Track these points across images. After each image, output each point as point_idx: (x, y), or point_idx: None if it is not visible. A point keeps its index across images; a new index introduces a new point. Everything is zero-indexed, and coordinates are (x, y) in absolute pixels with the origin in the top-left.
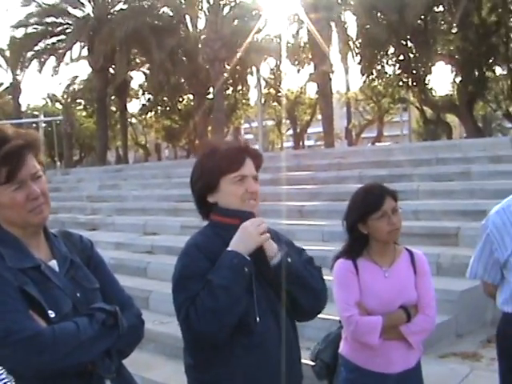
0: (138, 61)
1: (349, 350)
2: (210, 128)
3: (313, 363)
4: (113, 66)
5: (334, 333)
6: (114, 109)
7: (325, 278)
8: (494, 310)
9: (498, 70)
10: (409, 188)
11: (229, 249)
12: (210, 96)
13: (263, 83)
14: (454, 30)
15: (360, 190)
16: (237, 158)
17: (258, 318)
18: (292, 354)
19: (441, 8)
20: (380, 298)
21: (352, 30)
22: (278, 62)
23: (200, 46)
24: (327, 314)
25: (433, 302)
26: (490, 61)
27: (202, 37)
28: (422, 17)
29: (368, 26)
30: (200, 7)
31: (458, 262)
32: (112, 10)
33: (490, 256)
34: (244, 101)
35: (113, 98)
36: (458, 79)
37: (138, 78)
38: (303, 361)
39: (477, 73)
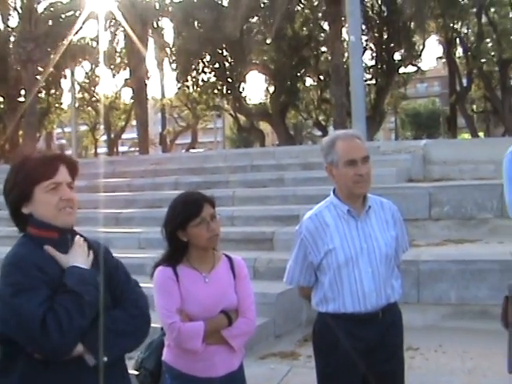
0: None
1: (172, 357)
2: (21, 132)
3: (137, 372)
4: None
5: (156, 340)
6: None
7: (145, 285)
8: (308, 310)
9: (309, 81)
10: (225, 194)
11: (83, 266)
12: (22, 99)
13: (77, 87)
14: (269, 41)
15: (178, 198)
16: (50, 166)
17: None
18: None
19: (256, 19)
20: (201, 303)
21: (169, 37)
22: (94, 66)
23: (12, 46)
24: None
25: (252, 305)
26: (302, 72)
27: (13, 36)
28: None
29: (184, 34)
30: (13, 4)
31: (274, 265)
32: None
33: (304, 260)
34: (57, 105)
35: None
36: (272, 88)
37: None
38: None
39: (289, 83)
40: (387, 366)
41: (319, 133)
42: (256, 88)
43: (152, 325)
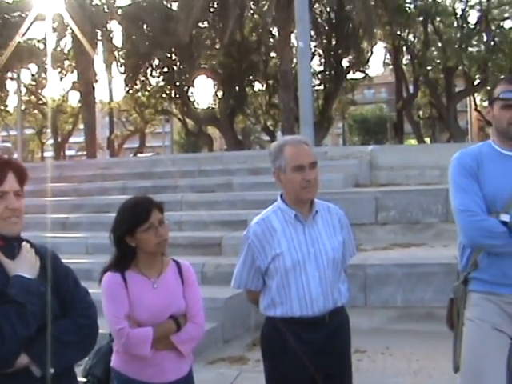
0: None
1: (120, 363)
2: None
3: (85, 379)
4: None
5: (104, 346)
6: None
7: (93, 291)
8: (256, 314)
9: (258, 86)
10: (173, 199)
11: (28, 275)
12: None
13: (24, 89)
14: (218, 46)
15: (127, 203)
16: None
17: None
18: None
19: (206, 24)
20: (150, 309)
21: (118, 40)
22: (41, 68)
23: None
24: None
25: (201, 310)
26: (251, 77)
27: None
28: None
29: (133, 37)
30: None
31: (222, 270)
32: None
33: (252, 264)
34: (2, 107)
35: None
36: (220, 93)
37: None
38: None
39: (238, 88)
40: (335, 368)
41: (267, 138)
42: (205, 93)
43: (100, 331)
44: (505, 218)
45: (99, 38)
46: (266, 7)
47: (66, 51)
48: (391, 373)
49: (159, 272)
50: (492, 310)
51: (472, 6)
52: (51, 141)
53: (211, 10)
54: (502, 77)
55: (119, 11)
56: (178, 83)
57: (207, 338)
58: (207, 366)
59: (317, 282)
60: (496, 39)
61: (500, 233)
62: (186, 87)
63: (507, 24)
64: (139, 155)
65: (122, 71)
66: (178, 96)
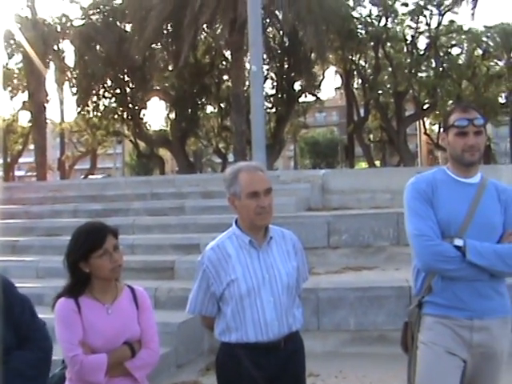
0: None
1: None
2: None
3: None
4: None
5: (57, 375)
6: None
7: (45, 316)
8: (210, 339)
9: (210, 109)
10: (125, 222)
11: None
12: None
13: None
14: (171, 68)
15: (81, 228)
16: None
17: None
18: None
19: (159, 45)
20: (104, 335)
21: (70, 60)
22: None
23: None
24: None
25: (155, 336)
26: (203, 99)
27: None
28: None
29: (86, 57)
30: None
31: (175, 294)
32: None
33: (207, 290)
34: None
35: None
36: (173, 115)
37: None
38: None
39: (190, 110)
40: None
41: (219, 160)
42: (157, 114)
43: (53, 357)
44: (458, 242)
45: (51, 57)
46: (219, 30)
47: (16, 70)
48: None
49: (113, 298)
50: (445, 333)
51: (421, 33)
52: (0, 161)
53: (164, 31)
54: (456, 104)
55: (72, 31)
56: (130, 105)
57: (161, 363)
58: None
59: (271, 307)
60: (444, 65)
61: (454, 257)
62: (139, 109)
63: (455, 51)
64: (90, 177)
65: (74, 92)
66: (130, 117)
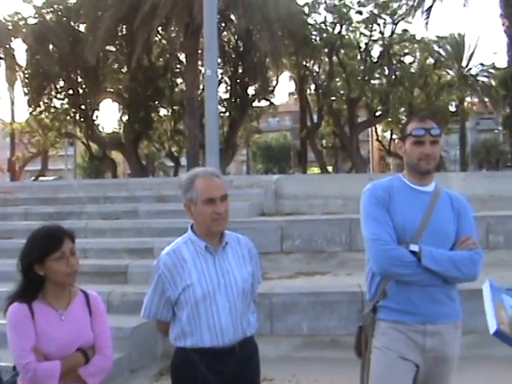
0: None
1: None
2: None
3: None
4: None
5: (8, 381)
6: None
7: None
8: (164, 344)
9: (163, 112)
10: (77, 226)
11: None
12: None
13: None
14: (124, 70)
15: (38, 231)
16: None
17: None
18: None
19: (113, 47)
20: (57, 342)
21: (22, 59)
22: None
23: None
24: None
25: (109, 341)
26: (156, 102)
27: None
28: None
29: (39, 57)
30: None
31: (128, 299)
32: None
33: (162, 295)
34: None
35: None
36: (126, 118)
37: None
38: None
39: (143, 113)
40: None
41: (171, 164)
42: (110, 117)
43: (3, 363)
44: (414, 248)
45: (1, 55)
46: (174, 33)
47: None
48: None
49: (67, 303)
50: (399, 339)
51: (375, 41)
52: None
53: (119, 33)
54: (414, 114)
55: (25, 29)
56: (83, 106)
57: (114, 368)
58: None
59: (227, 312)
60: (397, 73)
61: (409, 262)
62: (91, 110)
63: (407, 59)
64: (41, 178)
65: (26, 91)
66: (82, 119)
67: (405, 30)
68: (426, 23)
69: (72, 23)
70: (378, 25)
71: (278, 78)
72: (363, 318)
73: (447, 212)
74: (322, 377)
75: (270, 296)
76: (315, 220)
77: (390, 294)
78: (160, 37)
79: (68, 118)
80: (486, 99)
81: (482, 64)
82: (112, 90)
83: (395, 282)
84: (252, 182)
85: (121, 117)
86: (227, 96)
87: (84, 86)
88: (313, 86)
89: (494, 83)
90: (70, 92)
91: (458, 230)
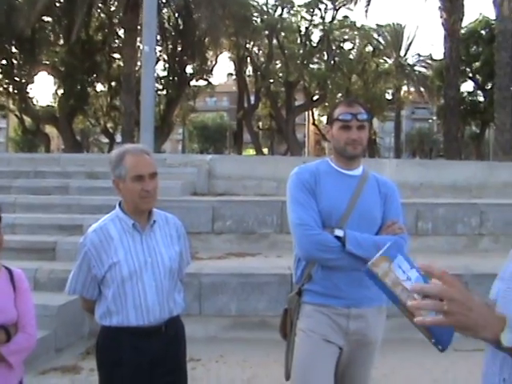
0: None
1: None
2: None
3: None
4: None
5: None
6: None
7: None
8: (90, 322)
9: (100, 87)
10: (6, 200)
11: None
12: None
13: None
14: (61, 42)
15: None
16: None
17: None
18: None
19: (50, 18)
20: None
21: None
22: None
23: None
24: None
25: (33, 320)
26: (93, 77)
27: None
28: None
29: None
30: None
31: (56, 276)
32: None
33: (88, 273)
34: None
35: None
36: (61, 91)
37: None
38: None
39: (79, 87)
40: (171, 378)
41: (106, 140)
42: (45, 90)
43: None
44: (339, 232)
45: None
46: (114, 8)
47: None
48: (225, 381)
49: None
50: (323, 321)
51: (315, 26)
52: None
53: (57, 4)
54: (341, 98)
55: None
56: (16, 78)
57: (39, 346)
58: (38, 377)
59: (153, 291)
60: (336, 59)
61: (334, 247)
62: (26, 83)
63: (347, 46)
64: None
65: None
66: (16, 91)
67: (345, 17)
68: (366, 11)
69: None
70: (320, 10)
71: (217, 57)
72: (289, 300)
73: (374, 196)
74: (250, 357)
75: (199, 276)
76: (247, 201)
77: (315, 278)
78: (100, 10)
79: (1, 89)
80: (422, 89)
81: (419, 54)
82: (48, 62)
83: (320, 266)
84: (186, 161)
85: (56, 90)
86: (165, 74)
87: (19, 58)
88: (251, 68)
89: (430, 74)
90: (4, 62)
91: (384, 215)
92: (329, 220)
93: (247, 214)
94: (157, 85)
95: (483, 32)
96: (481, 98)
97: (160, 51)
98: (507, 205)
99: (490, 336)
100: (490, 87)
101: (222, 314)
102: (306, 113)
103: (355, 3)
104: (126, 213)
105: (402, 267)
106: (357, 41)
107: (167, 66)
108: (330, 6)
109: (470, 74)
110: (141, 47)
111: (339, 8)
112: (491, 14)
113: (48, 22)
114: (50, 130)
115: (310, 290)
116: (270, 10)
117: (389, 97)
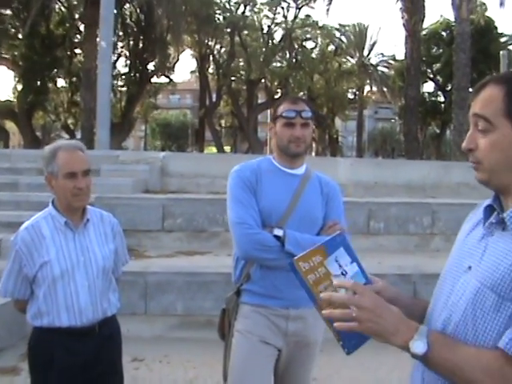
0: None
1: None
2: None
3: None
4: None
5: None
6: None
7: None
8: None
9: (61, 82)
10: None
11: None
12: None
13: None
14: (21, 37)
15: None
16: None
17: None
18: None
19: (9, 11)
20: None
21: None
22: None
23: None
24: None
25: None
26: (54, 72)
27: None
28: None
29: None
30: None
31: None
32: None
33: (19, 272)
34: None
35: None
36: (20, 86)
37: None
38: None
39: (39, 82)
40: (105, 380)
41: (67, 136)
42: (4, 85)
43: None
44: (278, 232)
45: None
46: (75, 1)
47: None
48: (167, 381)
49: None
50: (261, 322)
51: (278, 24)
52: None
53: None
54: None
55: None
56: None
57: None
58: None
59: (86, 291)
60: (298, 57)
61: (273, 247)
62: None
63: (309, 44)
64: None
65: None
66: None
67: (307, 16)
68: (328, 10)
69: None
70: (282, 8)
71: (178, 55)
72: (227, 300)
73: (316, 196)
74: (195, 357)
75: (145, 275)
76: (198, 199)
77: (253, 278)
78: (60, 4)
79: None
80: (385, 89)
81: (382, 54)
82: (7, 56)
83: (259, 266)
84: (138, 159)
85: (15, 85)
86: (126, 70)
87: None
88: (214, 66)
89: (392, 74)
90: None
91: (326, 215)
92: (269, 219)
93: (198, 212)
94: (118, 81)
95: (444, 33)
96: (441, 99)
97: (122, 47)
98: (459, 204)
99: (400, 343)
100: (450, 88)
101: (168, 314)
102: (268, 111)
103: (314, 1)
104: (59, 210)
105: (340, 261)
106: (319, 40)
107: (129, 62)
108: (292, 4)
109: (431, 75)
110: None
111: (301, 7)
112: (452, 16)
113: (7, 14)
114: (10, 125)
115: (248, 290)
116: (233, 8)
117: (351, 96)
